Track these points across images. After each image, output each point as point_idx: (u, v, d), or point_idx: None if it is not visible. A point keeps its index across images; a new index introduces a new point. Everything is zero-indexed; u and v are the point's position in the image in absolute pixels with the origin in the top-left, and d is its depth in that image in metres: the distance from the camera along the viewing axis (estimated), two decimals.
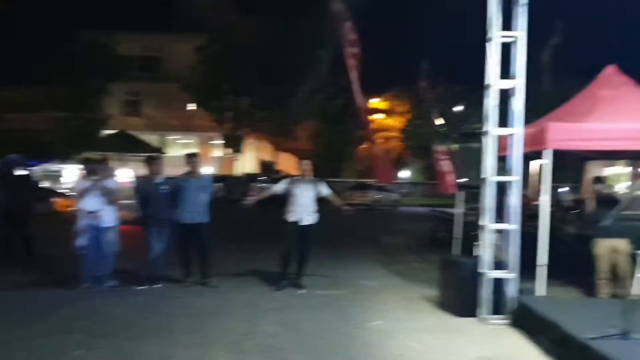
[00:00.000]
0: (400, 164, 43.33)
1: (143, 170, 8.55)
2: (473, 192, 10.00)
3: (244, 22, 32.35)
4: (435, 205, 20.14)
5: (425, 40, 26.96)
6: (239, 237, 13.42)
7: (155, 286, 7.98)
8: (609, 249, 7.32)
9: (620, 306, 5.25)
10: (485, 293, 6.79)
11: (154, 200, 8.04)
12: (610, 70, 8.94)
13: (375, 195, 30.29)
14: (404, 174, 43.86)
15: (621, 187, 22.06)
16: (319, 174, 9.00)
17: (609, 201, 7.23)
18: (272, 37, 31.10)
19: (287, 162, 39.72)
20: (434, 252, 10.23)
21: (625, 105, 8.03)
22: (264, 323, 6.55)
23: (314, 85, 34.81)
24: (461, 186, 11.71)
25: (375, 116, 42.42)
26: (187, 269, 8.35)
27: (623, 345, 4.89)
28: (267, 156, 41.77)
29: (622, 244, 7.25)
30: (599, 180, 7.95)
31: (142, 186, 8.31)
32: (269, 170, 37.62)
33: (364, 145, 37.62)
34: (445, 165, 12.99)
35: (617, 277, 7.29)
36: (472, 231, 8.66)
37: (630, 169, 23.13)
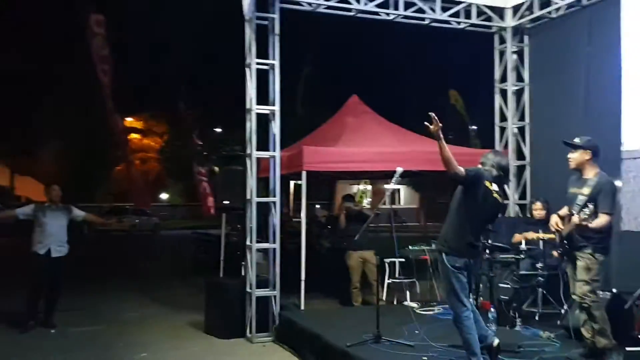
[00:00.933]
0: (159, 186, 42.10)
1: None
2: (235, 213, 10.14)
3: None
4: (198, 227, 20.00)
5: (185, 61, 26.70)
6: None
7: None
8: (360, 260, 8.03)
9: (371, 312, 5.76)
10: (251, 312, 6.89)
11: None
12: (354, 100, 9.95)
13: (134, 220, 28.92)
14: (164, 196, 42.74)
15: (366, 203, 24.64)
16: (69, 198, 8.22)
17: (358, 216, 7.97)
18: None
19: (28, 187, 35.62)
20: (198, 275, 10.09)
21: (367, 131, 8.97)
22: None
23: (59, 101, 31.82)
24: (224, 207, 11.79)
25: (131, 136, 40.62)
26: None
27: (375, 348, 5.37)
28: (3, 181, 36.97)
29: (369, 255, 8.01)
30: (349, 198, 8.71)
31: None
32: (4, 197, 33.26)
33: (119, 167, 35.68)
34: (206, 186, 12.98)
35: (367, 286, 8.03)
36: (235, 252, 8.76)
37: (370, 187, 26.07)
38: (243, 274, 7.32)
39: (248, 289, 6.96)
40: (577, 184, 4.95)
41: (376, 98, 12.19)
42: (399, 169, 5.79)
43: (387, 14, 8.05)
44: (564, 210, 5.05)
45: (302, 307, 7.41)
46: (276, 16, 7.18)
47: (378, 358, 5.11)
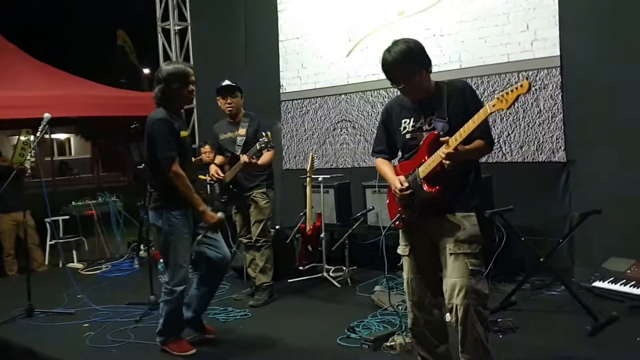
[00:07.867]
0: None
1: None
2: None
3: None
4: None
5: None
6: None
7: None
8: (12, 223, 6.94)
9: (28, 281, 4.96)
10: None
11: None
12: None
13: None
14: None
15: (28, 156, 21.79)
16: None
17: (4, 173, 6.81)
18: None
19: None
20: None
21: (16, 73, 7.68)
22: None
23: None
24: None
25: None
26: None
27: (26, 324, 4.65)
28: None
29: (25, 216, 6.94)
30: None
31: None
32: None
33: None
34: None
35: (24, 251, 7.00)
36: None
37: (32, 137, 23.22)
38: None
39: None
40: (230, 128, 4.99)
41: (34, 41, 10.56)
42: (47, 115, 5.09)
43: None
44: (219, 159, 5.03)
45: None
46: None
47: (27, 336, 4.37)
